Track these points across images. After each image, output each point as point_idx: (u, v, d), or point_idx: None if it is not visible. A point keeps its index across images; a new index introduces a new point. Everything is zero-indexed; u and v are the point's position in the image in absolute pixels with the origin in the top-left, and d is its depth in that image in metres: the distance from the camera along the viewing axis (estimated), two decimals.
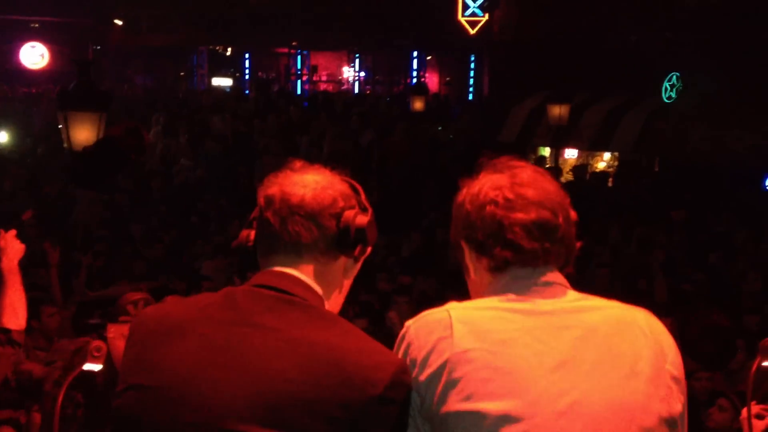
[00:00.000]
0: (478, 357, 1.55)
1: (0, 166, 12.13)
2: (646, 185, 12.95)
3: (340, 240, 1.69)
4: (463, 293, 1.80)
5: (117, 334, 3.39)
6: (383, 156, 13.74)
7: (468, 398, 1.53)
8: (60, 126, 7.35)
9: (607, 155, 15.79)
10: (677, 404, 1.61)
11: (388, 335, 5.49)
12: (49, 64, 21.57)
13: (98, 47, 22.82)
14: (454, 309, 1.64)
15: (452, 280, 6.89)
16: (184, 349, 1.58)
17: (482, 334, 1.58)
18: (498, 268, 1.69)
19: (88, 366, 2.89)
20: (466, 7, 20.06)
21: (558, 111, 13.14)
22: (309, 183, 1.70)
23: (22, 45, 21.58)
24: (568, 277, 1.73)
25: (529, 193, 1.68)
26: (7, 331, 3.26)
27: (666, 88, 14.97)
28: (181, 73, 26.68)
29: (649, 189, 12.52)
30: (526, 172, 1.73)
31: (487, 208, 1.68)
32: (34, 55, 21.56)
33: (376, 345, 1.59)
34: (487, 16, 19.84)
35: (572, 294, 1.69)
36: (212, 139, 14.14)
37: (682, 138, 13.59)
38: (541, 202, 1.68)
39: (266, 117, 15.86)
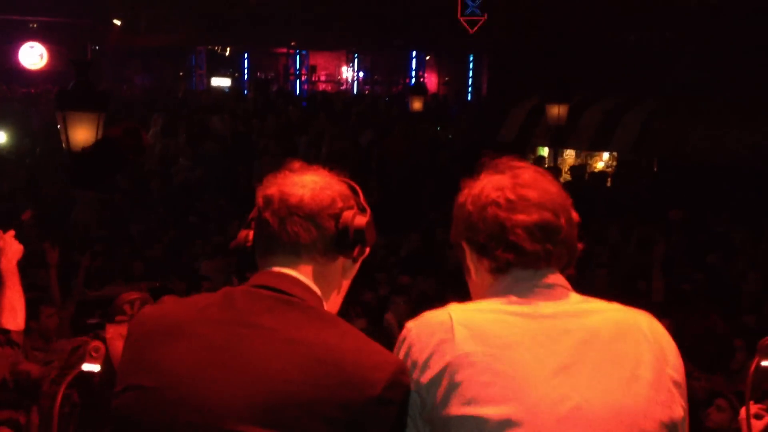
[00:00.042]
0: (479, 361, 1.55)
1: None
2: (645, 185, 12.95)
3: (339, 241, 1.69)
4: (462, 294, 1.79)
5: (115, 334, 3.39)
6: (382, 156, 13.75)
7: (469, 402, 1.53)
8: (59, 126, 7.34)
9: (606, 155, 15.79)
10: (678, 409, 1.60)
11: (387, 335, 5.50)
12: (47, 65, 21.57)
13: (97, 47, 22.76)
14: (455, 311, 1.63)
15: (452, 280, 6.91)
16: (183, 349, 1.58)
17: (484, 337, 1.58)
18: (499, 269, 1.68)
19: (86, 366, 2.89)
20: (465, 6, 20.05)
21: (556, 111, 13.12)
22: (308, 183, 1.70)
23: (20, 45, 21.58)
24: (568, 278, 1.72)
25: (531, 194, 1.68)
26: (6, 332, 3.25)
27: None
28: (180, 74, 26.67)
29: (649, 189, 12.53)
30: (527, 172, 1.72)
31: (489, 209, 1.68)
32: (32, 56, 21.56)
33: (375, 346, 1.59)
34: (486, 15, 19.83)
35: (574, 296, 1.68)
36: (211, 139, 14.15)
37: (682, 138, 13.58)
38: (543, 203, 1.67)
39: (265, 117, 15.88)
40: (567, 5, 16.32)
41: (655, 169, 14.56)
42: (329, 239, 1.68)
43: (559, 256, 1.68)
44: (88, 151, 7.02)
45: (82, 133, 7.14)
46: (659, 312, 1.80)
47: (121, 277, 7.46)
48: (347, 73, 27.70)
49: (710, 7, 14.05)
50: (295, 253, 1.67)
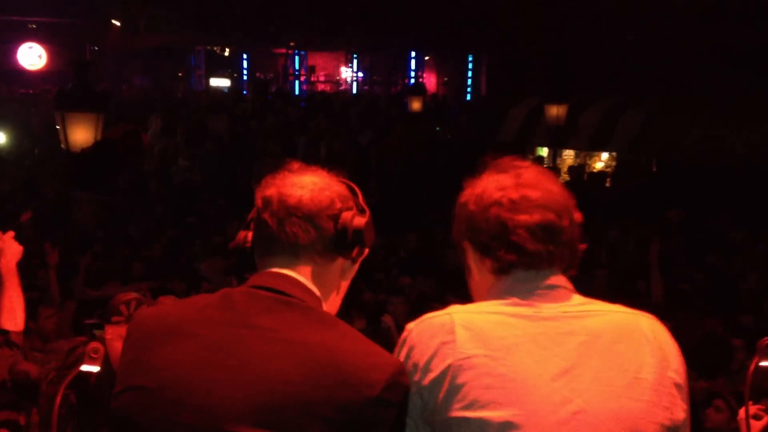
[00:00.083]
0: (480, 363, 1.55)
1: None
2: (644, 185, 12.95)
3: (338, 241, 1.69)
4: (462, 294, 1.79)
5: (114, 335, 3.39)
6: (381, 156, 13.76)
7: (470, 405, 1.53)
8: (58, 127, 7.34)
9: (605, 155, 15.79)
10: (680, 412, 1.60)
11: (385, 336, 5.49)
12: (47, 65, 21.53)
13: (96, 48, 22.75)
14: (456, 312, 1.63)
15: (452, 280, 6.91)
16: (182, 350, 1.58)
17: (485, 339, 1.57)
18: (501, 270, 1.67)
19: (85, 368, 2.89)
20: (465, 6, 20.04)
21: (555, 111, 13.13)
22: (306, 184, 1.69)
23: (19, 46, 21.55)
24: (569, 278, 1.71)
25: (534, 194, 1.67)
26: (5, 333, 3.25)
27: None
28: (179, 74, 26.66)
29: (648, 189, 12.52)
30: (530, 172, 1.72)
31: (492, 209, 1.67)
32: (31, 56, 21.52)
33: (374, 347, 1.59)
34: (486, 15, 19.83)
35: (576, 298, 1.68)
36: (210, 139, 14.15)
37: (681, 138, 13.58)
38: (545, 204, 1.66)
39: (264, 117, 15.89)
40: (567, 5, 16.31)
41: (654, 169, 14.56)
42: (328, 240, 1.68)
43: (561, 256, 1.68)
44: (87, 152, 7.02)
45: (81, 134, 7.14)
46: (659, 312, 1.79)
47: (120, 278, 7.45)
48: (346, 73, 27.69)
49: (710, 7, 14.05)
50: (293, 254, 1.67)
